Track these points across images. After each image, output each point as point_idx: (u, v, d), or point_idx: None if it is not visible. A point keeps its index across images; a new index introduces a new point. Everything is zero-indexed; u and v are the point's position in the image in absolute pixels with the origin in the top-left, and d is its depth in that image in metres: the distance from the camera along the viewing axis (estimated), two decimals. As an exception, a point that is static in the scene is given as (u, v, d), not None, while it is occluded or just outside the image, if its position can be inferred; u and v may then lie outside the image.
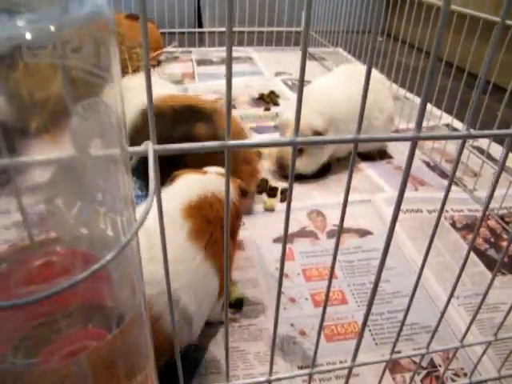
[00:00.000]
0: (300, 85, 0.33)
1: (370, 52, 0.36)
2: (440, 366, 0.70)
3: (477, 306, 0.79)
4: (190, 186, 0.70)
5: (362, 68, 1.25)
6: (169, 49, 2.11)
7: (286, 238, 0.41)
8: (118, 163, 0.29)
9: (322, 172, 1.17)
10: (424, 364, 0.70)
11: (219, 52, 2.18)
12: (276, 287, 0.81)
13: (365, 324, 0.50)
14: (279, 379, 0.55)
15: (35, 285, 0.33)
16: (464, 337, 0.59)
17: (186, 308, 0.59)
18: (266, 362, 0.68)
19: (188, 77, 1.85)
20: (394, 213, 0.42)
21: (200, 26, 2.57)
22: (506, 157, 0.46)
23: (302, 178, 1.13)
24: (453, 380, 0.69)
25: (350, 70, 1.23)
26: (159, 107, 0.97)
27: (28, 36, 0.18)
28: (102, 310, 0.33)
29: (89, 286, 0.31)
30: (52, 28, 0.18)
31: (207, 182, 0.71)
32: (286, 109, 1.23)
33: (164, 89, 1.14)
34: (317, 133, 1.06)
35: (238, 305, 0.78)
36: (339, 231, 0.43)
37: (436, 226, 0.48)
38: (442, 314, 0.55)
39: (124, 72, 1.50)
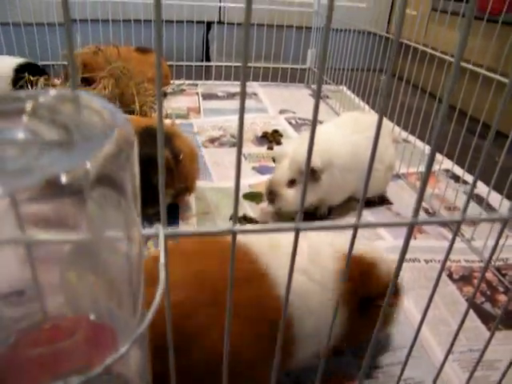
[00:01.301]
0: (312, 131, 0.35)
1: (378, 117, 0.37)
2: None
3: (471, 361, 0.80)
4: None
5: (365, 117, 1.28)
6: (176, 82, 2.16)
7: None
8: (132, 242, 0.31)
9: (318, 218, 1.19)
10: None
11: (225, 86, 2.23)
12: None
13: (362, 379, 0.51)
14: None
15: (41, 347, 0.34)
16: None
17: None
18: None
19: (194, 111, 1.89)
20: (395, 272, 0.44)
21: (207, 59, 2.62)
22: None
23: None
24: None
25: (354, 119, 1.26)
26: None
27: (62, 176, 0.20)
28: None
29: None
30: (87, 165, 0.20)
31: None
32: (291, 142, 1.25)
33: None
34: (313, 169, 1.08)
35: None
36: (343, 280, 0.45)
37: (436, 284, 0.49)
38: (439, 372, 0.57)
39: (131, 107, 1.53)
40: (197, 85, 2.23)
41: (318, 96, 0.33)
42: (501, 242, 1.04)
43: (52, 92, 0.26)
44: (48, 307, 0.34)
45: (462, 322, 0.53)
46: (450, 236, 1.19)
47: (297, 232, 0.38)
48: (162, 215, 0.35)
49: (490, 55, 1.22)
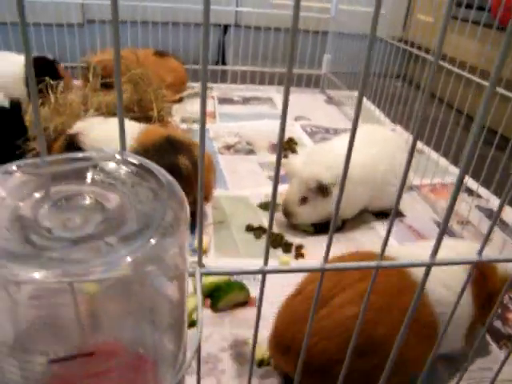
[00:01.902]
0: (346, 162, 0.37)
1: (413, 140, 0.39)
2: None
3: (481, 380, 0.82)
4: None
5: (381, 131, 1.30)
6: (192, 84, 2.18)
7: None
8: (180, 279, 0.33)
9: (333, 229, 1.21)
10: None
11: (241, 91, 2.25)
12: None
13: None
14: None
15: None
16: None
17: None
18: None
19: (209, 116, 1.91)
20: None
21: (223, 62, 2.64)
22: None
23: (313, 233, 1.18)
24: None
25: (370, 132, 1.27)
26: (143, 142, 1.08)
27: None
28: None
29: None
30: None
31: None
32: (296, 157, 1.27)
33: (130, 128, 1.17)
34: (322, 186, 1.11)
35: (263, 365, 0.82)
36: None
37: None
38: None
39: (149, 113, 1.56)
40: (212, 88, 2.25)
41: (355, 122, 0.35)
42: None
43: (105, 156, 0.28)
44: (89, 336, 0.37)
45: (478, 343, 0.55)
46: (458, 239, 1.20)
47: (322, 272, 0.40)
48: (198, 254, 0.37)
49: (509, 70, 1.23)
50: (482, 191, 1.39)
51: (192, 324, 0.87)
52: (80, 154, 0.28)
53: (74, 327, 0.32)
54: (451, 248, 0.78)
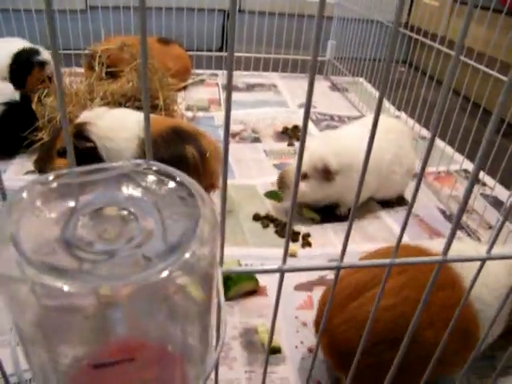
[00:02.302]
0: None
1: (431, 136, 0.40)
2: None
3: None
4: None
5: (388, 121, 1.30)
6: (196, 71, 2.18)
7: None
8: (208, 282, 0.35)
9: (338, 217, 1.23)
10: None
11: (245, 77, 2.24)
12: (295, 336, 0.86)
13: None
14: None
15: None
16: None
17: None
18: (285, 412, 0.74)
19: (214, 103, 1.91)
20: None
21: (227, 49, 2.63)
22: None
23: (319, 221, 1.20)
24: None
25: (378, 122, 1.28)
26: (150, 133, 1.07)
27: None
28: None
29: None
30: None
31: None
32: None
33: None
34: (327, 170, 1.12)
35: (273, 353, 0.84)
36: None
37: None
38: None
39: (155, 102, 1.56)
40: (217, 75, 2.25)
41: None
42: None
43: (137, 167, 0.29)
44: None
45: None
46: (464, 236, 1.22)
47: (338, 270, 0.41)
48: (220, 254, 0.38)
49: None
50: (487, 179, 1.40)
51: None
52: (109, 164, 0.29)
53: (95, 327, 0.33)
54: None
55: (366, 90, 2.11)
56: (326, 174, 1.13)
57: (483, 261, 0.44)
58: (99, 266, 0.25)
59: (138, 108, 1.41)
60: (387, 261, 0.43)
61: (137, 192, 0.28)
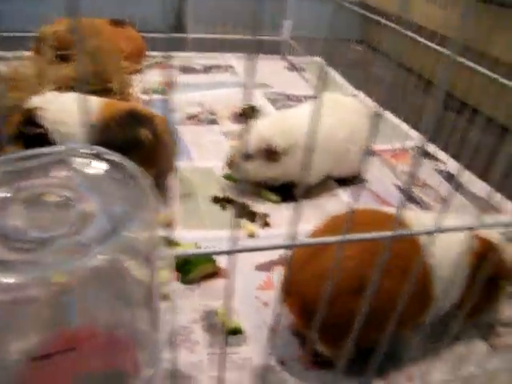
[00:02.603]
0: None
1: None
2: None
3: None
4: None
5: (344, 100, 1.31)
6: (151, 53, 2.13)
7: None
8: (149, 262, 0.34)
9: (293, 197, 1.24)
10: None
11: (202, 59, 2.21)
12: (256, 317, 0.88)
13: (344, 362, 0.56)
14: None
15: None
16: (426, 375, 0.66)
17: None
18: (249, 393, 0.75)
19: (170, 86, 1.87)
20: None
21: (182, 29, 2.58)
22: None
23: (278, 202, 1.20)
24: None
25: (333, 101, 1.29)
26: (103, 117, 1.08)
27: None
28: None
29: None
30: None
31: None
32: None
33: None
34: (271, 150, 1.12)
35: (234, 334, 0.84)
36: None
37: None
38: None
39: (109, 86, 1.52)
40: (172, 57, 2.20)
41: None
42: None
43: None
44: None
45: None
46: (414, 207, 1.25)
47: (290, 249, 0.41)
48: (166, 235, 0.38)
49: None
50: (441, 154, 1.44)
51: (164, 297, 0.89)
52: (46, 149, 0.28)
53: (48, 317, 0.32)
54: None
55: (323, 69, 2.11)
56: (270, 154, 1.13)
57: (431, 234, 0.45)
58: (37, 255, 0.24)
59: (92, 92, 1.37)
60: (339, 238, 0.43)
61: (74, 177, 0.27)
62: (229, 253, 0.40)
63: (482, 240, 0.81)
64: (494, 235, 0.83)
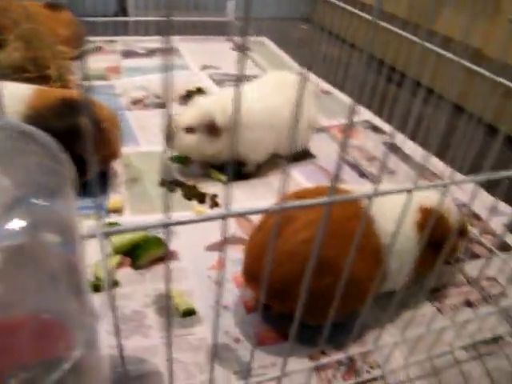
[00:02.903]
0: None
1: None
2: (357, 360, 0.79)
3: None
4: None
5: (289, 77, 1.31)
6: (92, 39, 2.06)
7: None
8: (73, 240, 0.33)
9: (246, 176, 1.24)
10: (344, 360, 0.79)
11: (145, 42, 2.16)
12: (209, 296, 0.87)
13: (293, 334, 0.57)
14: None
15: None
16: (378, 339, 0.68)
17: None
18: (206, 371, 0.74)
19: (113, 71, 1.83)
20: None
21: (124, 13, 2.51)
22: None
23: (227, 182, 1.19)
24: (368, 372, 0.78)
25: (277, 78, 1.28)
26: (35, 106, 1.04)
27: None
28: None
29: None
30: None
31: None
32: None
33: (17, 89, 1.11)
34: (212, 125, 1.12)
35: (188, 315, 0.84)
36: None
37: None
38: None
39: (46, 73, 1.47)
40: (115, 42, 2.14)
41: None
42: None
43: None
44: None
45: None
46: (365, 182, 1.27)
47: (225, 219, 0.41)
48: (101, 214, 0.36)
49: (404, 7, 1.28)
50: (386, 127, 1.46)
51: (115, 284, 0.87)
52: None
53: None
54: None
55: (269, 49, 2.11)
56: (212, 129, 1.12)
57: (370, 197, 0.46)
58: None
59: (29, 79, 1.31)
60: (276, 207, 0.43)
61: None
62: (164, 226, 0.39)
63: (427, 210, 0.83)
64: (439, 203, 0.85)
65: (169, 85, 0.29)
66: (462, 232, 0.92)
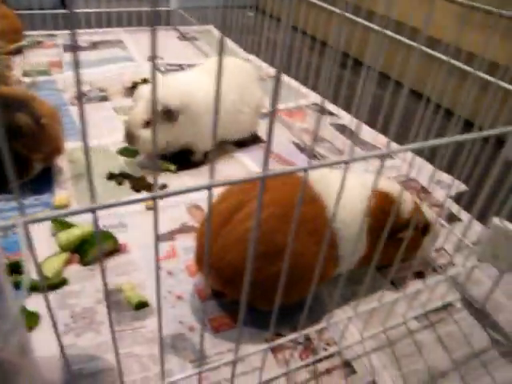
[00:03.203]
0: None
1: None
2: (314, 338, 0.80)
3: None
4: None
5: (229, 61, 1.29)
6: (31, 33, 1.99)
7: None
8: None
9: (195, 164, 1.22)
10: (300, 339, 0.79)
11: (88, 35, 2.10)
12: (163, 287, 0.86)
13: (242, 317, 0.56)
14: (172, 382, 0.61)
15: None
16: (331, 315, 0.68)
17: None
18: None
19: (56, 66, 1.77)
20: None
21: (64, 5, 2.43)
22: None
23: (176, 171, 1.18)
24: (325, 349, 0.79)
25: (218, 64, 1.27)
26: None
27: None
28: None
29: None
30: None
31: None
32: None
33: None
34: (167, 110, 1.10)
35: (141, 308, 0.82)
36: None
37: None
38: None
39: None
40: (56, 35, 2.07)
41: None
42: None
43: None
44: None
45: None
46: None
47: (155, 200, 0.40)
48: (19, 204, 0.35)
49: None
50: (333, 108, 1.47)
51: (63, 282, 0.85)
52: None
53: None
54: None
55: (216, 37, 2.08)
56: (167, 114, 1.10)
57: (305, 170, 0.45)
58: None
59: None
60: (260, 174, 0.43)
61: None
62: (92, 210, 0.38)
63: (380, 194, 0.83)
64: (393, 187, 0.86)
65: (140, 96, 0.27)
66: (426, 228, 0.90)
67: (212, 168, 0.40)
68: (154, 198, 0.40)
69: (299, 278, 0.74)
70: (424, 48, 1.24)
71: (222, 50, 0.34)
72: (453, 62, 0.98)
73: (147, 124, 1.11)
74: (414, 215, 0.79)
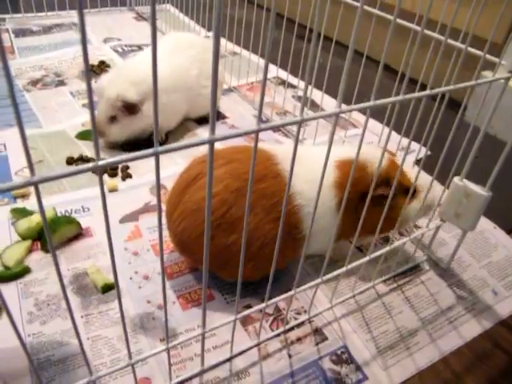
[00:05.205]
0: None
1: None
2: (284, 309, 0.80)
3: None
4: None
5: (186, 36, 1.27)
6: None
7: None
8: None
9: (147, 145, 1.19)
10: (270, 311, 0.79)
11: (39, 19, 2.02)
12: (128, 268, 0.84)
13: (204, 292, 0.55)
14: (140, 360, 0.60)
15: None
16: (297, 284, 0.68)
17: None
18: (131, 343, 0.72)
19: (6, 52, 1.70)
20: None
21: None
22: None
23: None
24: (295, 318, 0.79)
25: (174, 40, 1.24)
26: None
27: None
28: None
29: None
30: None
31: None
32: (107, 75, 1.18)
33: None
34: (129, 104, 1.08)
35: (108, 291, 0.81)
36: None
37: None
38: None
39: None
40: (4, 20, 1.99)
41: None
42: (324, 138, 1.15)
43: None
44: None
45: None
46: (283, 139, 1.27)
47: (99, 171, 0.38)
48: None
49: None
50: (293, 80, 1.46)
51: (26, 271, 0.82)
52: None
53: None
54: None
55: (174, 15, 2.04)
56: (129, 108, 1.08)
57: (256, 132, 0.44)
58: None
59: None
60: (255, 128, 0.42)
61: None
62: (33, 184, 0.36)
63: (345, 163, 0.79)
64: (361, 157, 0.83)
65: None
66: (410, 192, 0.77)
67: (213, 123, 0.39)
68: (210, 143, 0.39)
69: (255, 253, 0.74)
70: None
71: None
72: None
73: (112, 119, 1.10)
74: (389, 172, 0.77)
